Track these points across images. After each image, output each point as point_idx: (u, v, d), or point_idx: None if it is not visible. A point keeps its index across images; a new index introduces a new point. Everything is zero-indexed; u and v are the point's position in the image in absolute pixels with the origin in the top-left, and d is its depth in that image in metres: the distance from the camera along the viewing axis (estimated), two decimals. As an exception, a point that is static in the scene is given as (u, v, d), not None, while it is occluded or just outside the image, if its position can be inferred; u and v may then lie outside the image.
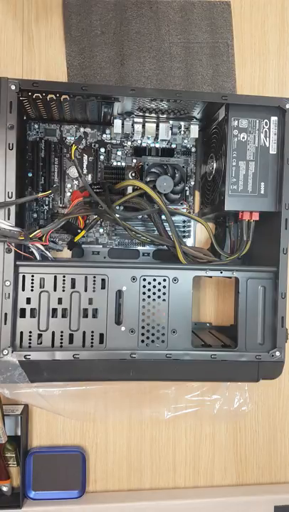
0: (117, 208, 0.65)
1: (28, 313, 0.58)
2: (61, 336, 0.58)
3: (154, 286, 0.59)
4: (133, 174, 0.70)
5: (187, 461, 0.77)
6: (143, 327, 0.59)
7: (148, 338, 0.59)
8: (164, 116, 0.68)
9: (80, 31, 0.73)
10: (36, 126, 0.70)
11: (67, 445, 0.74)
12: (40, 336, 0.58)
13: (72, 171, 0.71)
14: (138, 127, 0.69)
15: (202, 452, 0.78)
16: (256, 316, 0.61)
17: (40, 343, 0.58)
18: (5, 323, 0.56)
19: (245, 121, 0.60)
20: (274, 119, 0.60)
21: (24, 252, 0.58)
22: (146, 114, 0.67)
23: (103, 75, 0.73)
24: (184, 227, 0.74)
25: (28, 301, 0.58)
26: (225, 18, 0.76)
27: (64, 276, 0.58)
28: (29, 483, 0.70)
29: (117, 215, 0.63)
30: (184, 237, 0.74)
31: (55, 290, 0.58)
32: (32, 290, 0.58)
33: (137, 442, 0.76)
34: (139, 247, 0.73)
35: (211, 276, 0.72)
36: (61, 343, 0.58)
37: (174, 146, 0.72)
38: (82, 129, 0.71)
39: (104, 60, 0.73)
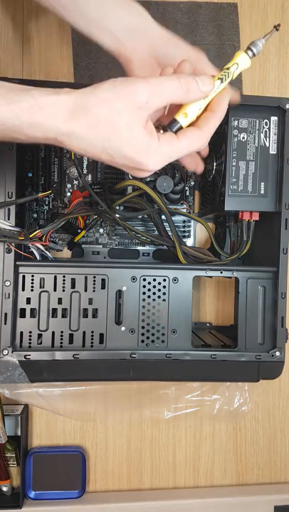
0: (117, 208, 0.65)
1: (28, 313, 0.58)
2: (61, 336, 0.58)
3: (154, 286, 0.59)
4: (133, 174, 0.70)
5: (187, 461, 0.77)
6: (143, 327, 0.59)
7: (148, 338, 0.59)
8: (164, 116, 0.68)
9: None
10: (36, 126, 0.70)
11: (67, 445, 0.74)
12: (40, 336, 0.58)
13: (72, 171, 0.71)
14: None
15: (202, 452, 0.78)
16: (256, 316, 0.61)
17: (40, 343, 0.58)
18: (5, 323, 0.56)
19: (245, 121, 0.60)
20: (274, 119, 0.60)
21: (24, 252, 0.58)
22: (147, 114, 0.67)
23: (110, 76, 0.73)
24: (184, 227, 0.74)
25: (28, 301, 0.58)
26: (232, 20, 0.76)
27: (64, 276, 0.58)
28: (29, 483, 0.70)
29: (117, 215, 0.63)
30: (184, 237, 0.74)
31: (55, 290, 0.58)
32: (32, 290, 0.58)
33: (137, 442, 0.76)
34: (139, 247, 0.73)
35: (211, 276, 0.72)
36: (61, 343, 0.58)
37: (174, 146, 0.72)
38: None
39: (110, 60, 0.72)
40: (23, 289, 0.58)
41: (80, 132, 0.39)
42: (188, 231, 0.74)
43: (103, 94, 0.40)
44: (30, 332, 0.58)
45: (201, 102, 0.42)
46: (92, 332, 0.58)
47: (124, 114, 0.39)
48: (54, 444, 0.74)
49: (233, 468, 0.78)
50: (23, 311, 0.58)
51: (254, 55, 0.45)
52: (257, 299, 0.61)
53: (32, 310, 0.58)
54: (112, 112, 0.39)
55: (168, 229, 0.65)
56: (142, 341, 0.59)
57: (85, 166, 0.71)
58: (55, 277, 0.58)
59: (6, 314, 0.56)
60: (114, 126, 0.39)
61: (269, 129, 0.60)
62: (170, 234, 0.64)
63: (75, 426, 0.75)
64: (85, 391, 0.72)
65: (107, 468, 0.75)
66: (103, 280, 0.59)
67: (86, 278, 0.58)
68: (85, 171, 0.71)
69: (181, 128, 0.43)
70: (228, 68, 0.44)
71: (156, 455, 0.76)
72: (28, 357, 0.57)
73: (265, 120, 0.60)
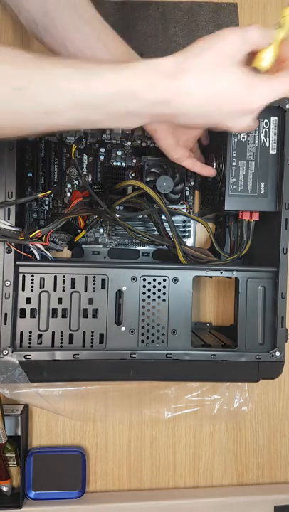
0: (117, 208, 0.65)
1: (28, 313, 0.58)
2: (61, 336, 0.58)
3: (154, 286, 0.59)
4: (133, 174, 0.70)
5: (187, 461, 0.77)
6: (143, 327, 0.59)
7: (148, 338, 0.59)
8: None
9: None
10: (36, 126, 0.70)
11: (67, 445, 0.74)
12: (40, 336, 0.58)
13: (72, 171, 0.71)
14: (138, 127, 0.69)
15: (202, 452, 0.78)
16: (256, 316, 0.61)
17: (40, 343, 0.58)
18: (5, 323, 0.56)
19: (245, 121, 0.60)
20: (274, 119, 0.60)
21: (24, 252, 0.58)
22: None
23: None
24: (184, 227, 0.74)
25: (28, 301, 0.58)
26: (232, 20, 0.76)
27: (64, 276, 0.58)
28: (29, 483, 0.70)
29: (117, 215, 0.63)
30: (184, 237, 0.74)
31: (55, 290, 0.58)
32: (32, 290, 0.58)
33: (137, 442, 0.76)
34: (139, 247, 0.73)
35: (211, 276, 0.72)
36: (61, 343, 0.58)
37: (174, 146, 0.72)
38: (82, 129, 0.71)
39: (109, 60, 0.73)
40: (23, 289, 0.58)
41: (188, 84, 0.43)
42: (188, 231, 0.74)
43: (198, 47, 0.44)
44: (30, 332, 0.58)
45: (270, 49, 0.46)
46: (92, 332, 0.58)
47: (224, 56, 0.43)
48: (54, 444, 0.74)
49: (233, 468, 0.78)
50: (23, 311, 0.58)
51: None
52: (257, 299, 0.61)
53: (32, 310, 0.58)
54: (212, 57, 0.43)
55: (168, 229, 0.65)
56: (142, 341, 0.59)
57: (85, 166, 0.71)
58: (55, 277, 0.58)
59: (6, 314, 0.56)
60: (218, 68, 0.43)
61: (269, 129, 0.60)
62: (170, 234, 0.64)
63: (75, 426, 0.75)
64: (85, 391, 0.72)
65: (107, 468, 0.75)
66: (103, 280, 0.59)
67: (86, 278, 0.58)
68: (85, 171, 0.71)
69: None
70: (279, 22, 0.48)
71: (156, 455, 0.76)
72: (28, 357, 0.57)
73: (265, 120, 0.60)
